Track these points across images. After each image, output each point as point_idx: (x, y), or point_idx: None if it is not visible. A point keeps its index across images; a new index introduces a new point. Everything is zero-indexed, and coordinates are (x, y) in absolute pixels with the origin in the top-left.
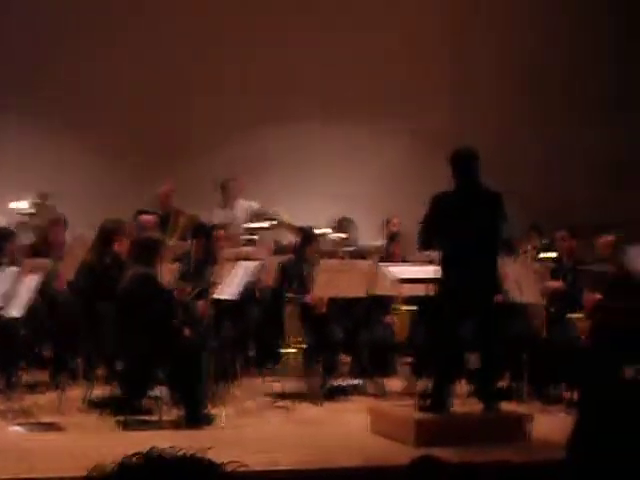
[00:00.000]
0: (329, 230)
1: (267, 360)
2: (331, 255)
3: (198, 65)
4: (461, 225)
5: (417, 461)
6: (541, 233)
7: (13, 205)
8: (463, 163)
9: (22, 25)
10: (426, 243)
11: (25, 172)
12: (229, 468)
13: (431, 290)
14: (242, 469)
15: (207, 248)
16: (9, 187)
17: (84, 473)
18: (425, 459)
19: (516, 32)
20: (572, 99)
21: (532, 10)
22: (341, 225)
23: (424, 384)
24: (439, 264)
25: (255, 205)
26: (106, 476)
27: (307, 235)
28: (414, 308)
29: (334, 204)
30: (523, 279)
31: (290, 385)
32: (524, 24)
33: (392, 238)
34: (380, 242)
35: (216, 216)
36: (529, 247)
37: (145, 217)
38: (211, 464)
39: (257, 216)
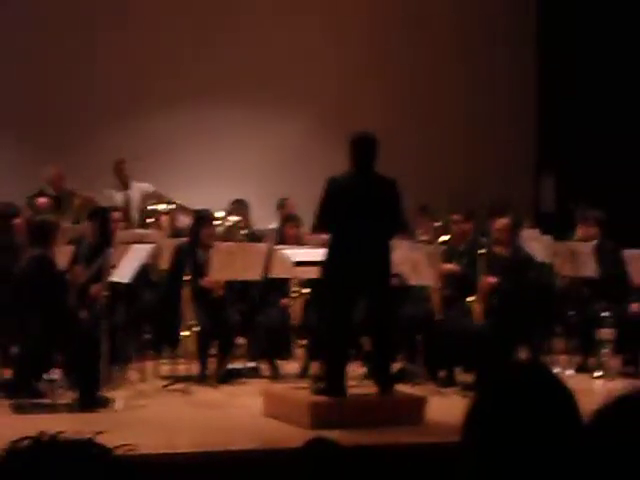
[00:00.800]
0: (222, 213)
1: (164, 343)
2: (227, 238)
3: (92, 49)
4: (354, 208)
5: (310, 443)
6: (432, 215)
7: None
8: (361, 148)
9: None
10: (320, 226)
11: None
12: (119, 452)
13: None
14: (134, 452)
15: (102, 230)
16: None
17: None
18: (318, 441)
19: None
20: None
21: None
22: (235, 207)
23: (318, 366)
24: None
25: (150, 187)
26: None
27: (201, 218)
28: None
29: (229, 187)
30: (418, 262)
31: (186, 368)
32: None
33: (286, 220)
34: (275, 225)
35: (111, 198)
36: (420, 231)
37: (40, 200)
38: (102, 448)
39: (152, 198)
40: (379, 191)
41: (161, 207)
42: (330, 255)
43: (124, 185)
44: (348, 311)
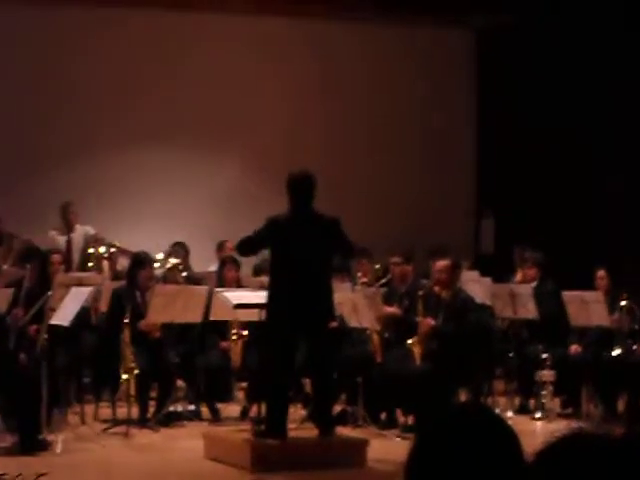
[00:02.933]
0: (161, 255)
1: (104, 386)
2: (166, 280)
3: (37, 89)
4: (293, 249)
5: None
6: (371, 258)
7: None
8: (298, 187)
9: None
10: (243, 253)
11: None
12: None
13: (264, 315)
14: None
15: (42, 273)
16: None
17: None
18: None
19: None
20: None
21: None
22: (175, 250)
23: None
24: (270, 287)
25: (91, 230)
26: None
27: (138, 260)
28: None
29: (169, 229)
30: (357, 304)
31: (126, 411)
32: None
33: (225, 263)
34: (214, 267)
35: (54, 240)
36: (359, 274)
37: None
38: None
39: (93, 241)
40: (319, 231)
41: (102, 250)
42: (272, 297)
43: (69, 228)
44: (290, 353)
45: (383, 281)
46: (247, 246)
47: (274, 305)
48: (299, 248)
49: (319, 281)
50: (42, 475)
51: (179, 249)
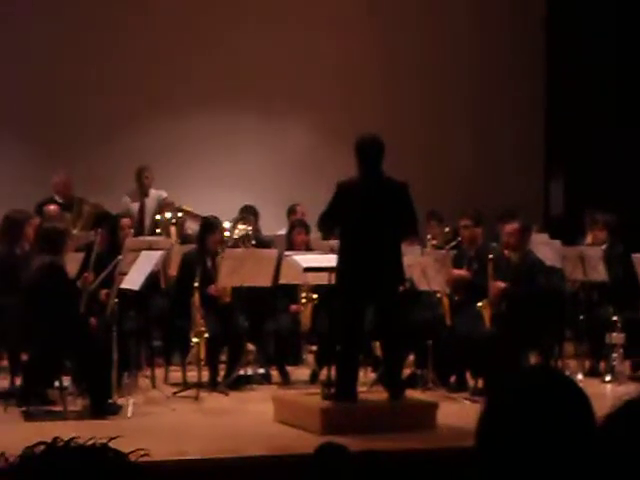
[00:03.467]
0: (228, 224)
1: (174, 350)
2: (235, 244)
3: (100, 54)
4: (363, 213)
5: (321, 448)
6: (441, 220)
7: None
8: (367, 151)
9: None
10: (327, 230)
11: None
12: (133, 457)
13: (334, 278)
14: (146, 459)
15: (112, 237)
16: None
17: None
18: (329, 446)
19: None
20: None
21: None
22: (244, 214)
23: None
24: (339, 251)
25: (164, 194)
26: (8, 466)
27: (208, 225)
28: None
29: (238, 193)
30: (427, 267)
31: (196, 375)
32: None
33: (294, 226)
34: (283, 231)
35: (126, 205)
36: (429, 236)
37: (50, 207)
38: (116, 454)
39: (164, 205)
40: (389, 195)
41: (168, 216)
42: (341, 260)
43: (144, 192)
44: (359, 316)
45: (453, 244)
46: (326, 222)
47: (344, 268)
48: (369, 212)
49: (389, 244)
50: (113, 439)
51: (248, 213)
